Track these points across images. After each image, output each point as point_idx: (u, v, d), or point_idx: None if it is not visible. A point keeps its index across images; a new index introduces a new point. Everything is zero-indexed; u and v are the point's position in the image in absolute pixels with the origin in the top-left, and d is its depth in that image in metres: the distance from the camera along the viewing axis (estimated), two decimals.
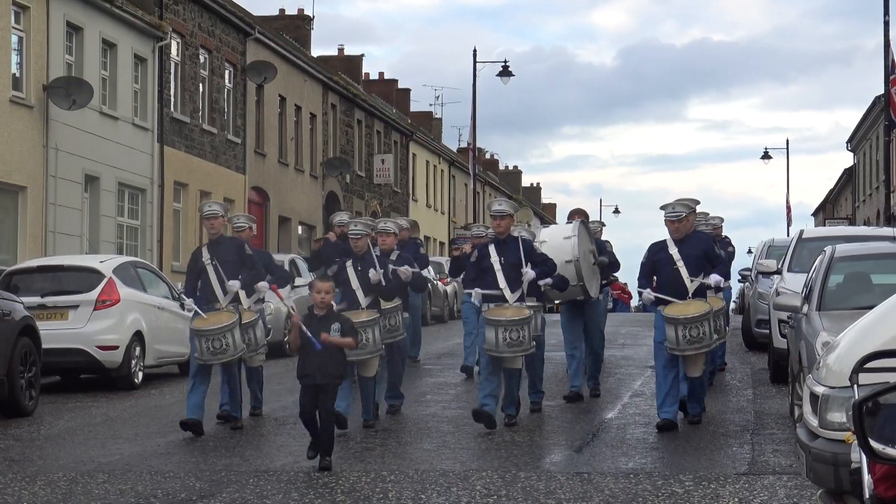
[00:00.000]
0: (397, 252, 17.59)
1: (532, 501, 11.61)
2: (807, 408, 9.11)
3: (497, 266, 16.18)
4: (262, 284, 17.29)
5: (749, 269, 29.97)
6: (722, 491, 12.01)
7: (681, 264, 15.75)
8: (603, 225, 23.59)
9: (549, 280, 16.91)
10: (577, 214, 20.11)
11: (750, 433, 15.67)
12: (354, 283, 16.25)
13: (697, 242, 16.15)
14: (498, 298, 16.21)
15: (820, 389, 8.77)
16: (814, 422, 8.79)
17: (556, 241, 19.06)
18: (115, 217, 38.58)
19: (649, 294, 16.04)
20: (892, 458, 4.06)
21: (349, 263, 16.44)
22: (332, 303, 14.00)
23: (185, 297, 17.14)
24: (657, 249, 16.27)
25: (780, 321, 19.93)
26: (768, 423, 16.45)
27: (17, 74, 33.84)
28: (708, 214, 21.50)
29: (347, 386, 15.81)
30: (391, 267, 16.64)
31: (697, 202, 16.80)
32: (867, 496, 6.71)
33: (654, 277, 16.22)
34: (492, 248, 16.44)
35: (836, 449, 8.19)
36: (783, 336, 19.38)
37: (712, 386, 19.11)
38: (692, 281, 15.71)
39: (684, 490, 11.96)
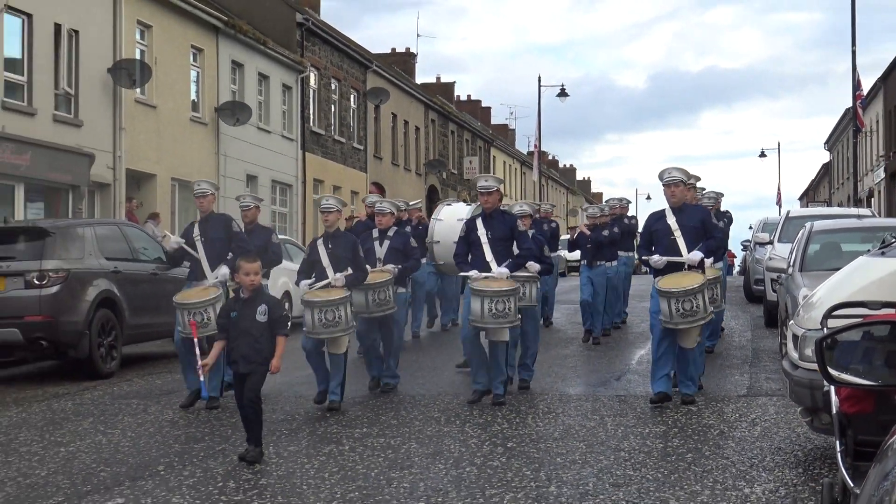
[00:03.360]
0: (395, 229, 14.34)
1: (581, 416, 11.61)
2: (790, 345, 9.09)
3: (484, 240, 12.92)
4: (224, 271, 13.43)
5: (749, 241, 30.04)
6: (726, 408, 11.98)
7: (678, 234, 12.50)
8: (629, 202, 22.76)
9: (536, 266, 13.69)
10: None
11: (748, 365, 15.56)
12: (325, 260, 12.87)
13: (695, 213, 12.95)
14: (486, 272, 12.84)
15: (800, 331, 8.76)
16: (795, 356, 8.78)
17: (451, 221, 16.33)
18: (269, 206, 38.85)
19: (659, 259, 12.48)
20: (846, 382, 4.04)
21: (320, 241, 13.13)
22: (262, 282, 10.49)
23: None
24: (655, 219, 13.01)
25: (772, 280, 19.88)
26: (762, 357, 16.33)
27: (195, 100, 34.12)
28: (705, 189, 17.98)
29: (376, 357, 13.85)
30: (340, 275, 12.76)
31: (698, 178, 14.13)
32: (834, 412, 6.70)
33: (653, 247, 12.84)
34: (479, 222, 13.13)
35: (812, 376, 8.17)
36: (774, 291, 19.31)
37: (712, 353, 16.07)
38: (689, 252, 12.50)
39: (697, 408, 11.92)
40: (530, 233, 14.32)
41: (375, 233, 14.28)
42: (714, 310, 13.89)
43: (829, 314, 7.28)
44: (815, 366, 7.51)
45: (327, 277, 12.79)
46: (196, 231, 13.79)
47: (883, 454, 2.65)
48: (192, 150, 33.53)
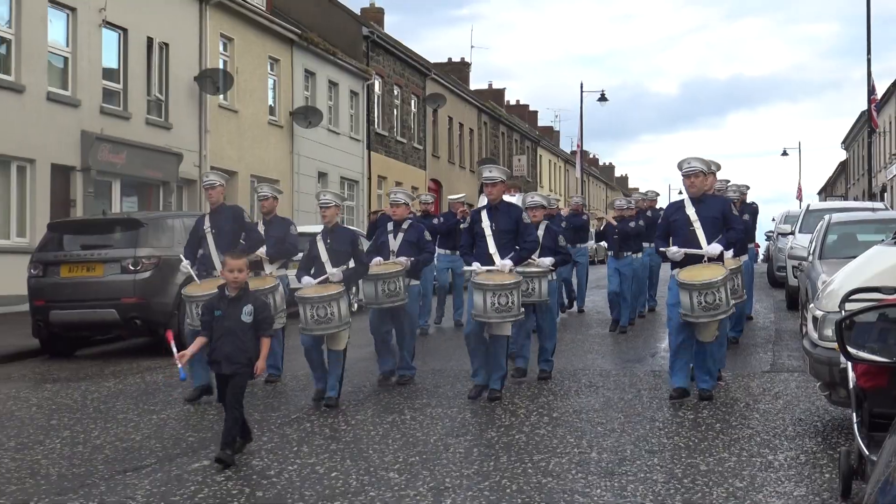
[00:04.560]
0: (409, 222, 12.81)
1: (619, 390, 11.55)
2: (810, 326, 9.01)
3: (488, 231, 11.45)
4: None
5: (772, 231, 29.95)
6: (752, 383, 11.88)
7: (697, 225, 10.87)
8: (657, 194, 21.64)
9: (548, 260, 12.36)
10: (513, 188, 13.57)
11: (772, 344, 15.44)
12: (324, 255, 11.37)
13: (715, 203, 11.19)
14: (489, 264, 11.41)
15: (819, 313, 8.68)
16: (815, 336, 8.70)
17: None
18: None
19: (677, 251, 10.91)
20: (863, 359, 4.02)
21: (319, 237, 11.58)
22: (248, 281, 9.06)
23: (183, 258, 12.50)
24: (674, 210, 11.40)
25: (794, 267, 19.79)
26: (784, 337, 16.20)
27: (272, 105, 34.31)
28: (730, 181, 16.11)
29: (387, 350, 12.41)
30: (336, 272, 11.27)
31: (718, 166, 12.29)
32: (851, 386, 6.64)
33: (671, 239, 11.24)
34: (484, 214, 11.62)
35: (830, 354, 8.10)
36: (795, 277, 19.21)
37: (737, 343, 14.88)
38: (709, 244, 10.90)
39: (726, 383, 11.83)
40: (543, 224, 12.96)
41: (390, 225, 12.84)
42: (736, 301, 12.23)
43: (846, 298, 7.23)
44: (833, 344, 7.47)
45: (325, 273, 11.31)
46: (207, 223, 12.33)
47: None
48: (270, 149, 33.72)
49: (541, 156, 73.38)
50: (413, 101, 47.50)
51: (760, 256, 44.43)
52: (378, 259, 12.28)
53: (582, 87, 64.82)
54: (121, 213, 22.67)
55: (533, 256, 12.08)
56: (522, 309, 11.33)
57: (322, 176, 37.52)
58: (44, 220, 20.94)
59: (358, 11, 45.90)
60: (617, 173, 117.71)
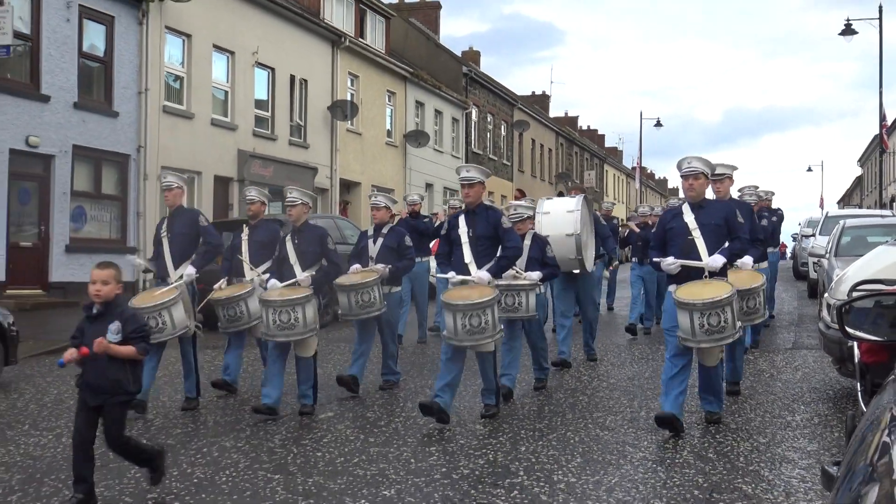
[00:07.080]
0: (390, 226, 10.07)
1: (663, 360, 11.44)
2: (825, 312, 8.86)
3: (465, 238, 8.43)
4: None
5: (798, 234, 29.54)
6: (776, 358, 11.67)
7: (697, 234, 7.70)
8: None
9: (535, 275, 9.19)
10: (576, 189, 12.21)
11: (794, 325, 15.15)
12: (292, 256, 8.92)
13: (718, 209, 7.91)
14: (465, 274, 8.34)
15: (833, 301, 8.52)
16: (829, 319, 8.55)
17: (559, 214, 10.86)
18: (441, 206, 39.09)
19: (671, 263, 7.65)
20: (859, 337, 3.98)
21: (287, 237, 9.11)
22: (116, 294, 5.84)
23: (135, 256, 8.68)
24: (671, 216, 8.03)
25: (814, 262, 19.40)
26: (805, 320, 15.88)
27: (389, 129, 34.50)
28: (758, 187, 13.21)
29: (362, 357, 9.68)
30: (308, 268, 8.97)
31: (734, 167, 9.47)
32: (857, 361, 6.52)
33: (667, 249, 7.89)
34: (461, 219, 8.58)
35: (841, 335, 7.93)
36: (815, 271, 18.85)
37: (757, 348, 12.20)
38: (711, 255, 7.67)
39: (753, 357, 11.63)
40: (530, 234, 9.81)
41: (370, 230, 10.28)
42: (750, 322, 9.45)
43: (853, 288, 7.09)
44: None
45: (294, 276, 8.92)
46: (164, 227, 9.53)
47: (882, 388, 2.61)
48: (387, 164, 33.95)
49: (607, 171, 72.76)
50: (503, 126, 47.41)
51: (788, 254, 43.73)
52: (356, 266, 9.86)
53: (641, 114, 64.37)
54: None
55: (520, 269, 9.30)
56: (501, 327, 8.22)
57: (429, 186, 37.64)
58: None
59: (459, 54, 45.98)
60: (669, 185, 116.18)
